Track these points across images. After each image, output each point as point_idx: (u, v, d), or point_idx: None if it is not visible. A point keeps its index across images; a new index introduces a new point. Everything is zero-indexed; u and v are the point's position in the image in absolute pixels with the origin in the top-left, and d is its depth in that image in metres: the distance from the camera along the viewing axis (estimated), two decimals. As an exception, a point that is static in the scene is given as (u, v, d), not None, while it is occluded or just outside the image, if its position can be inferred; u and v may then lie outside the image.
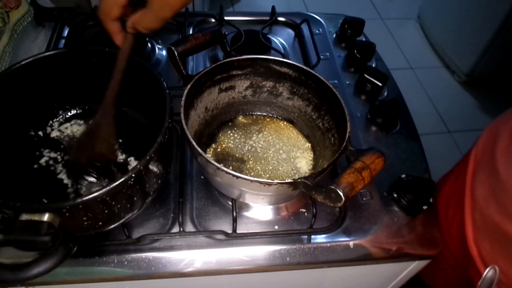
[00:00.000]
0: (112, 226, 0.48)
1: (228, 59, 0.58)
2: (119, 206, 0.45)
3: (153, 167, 0.47)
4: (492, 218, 0.56)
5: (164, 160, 0.51)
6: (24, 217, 0.39)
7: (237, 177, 0.45)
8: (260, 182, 0.45)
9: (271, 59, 0.59)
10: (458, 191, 0.66)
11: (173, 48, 0.54)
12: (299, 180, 0.45)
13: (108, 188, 0.41)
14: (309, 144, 0.64)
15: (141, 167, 0.43)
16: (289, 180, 0.45)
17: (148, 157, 0.44)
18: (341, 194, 0.41)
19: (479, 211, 0.60)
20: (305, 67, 0.58)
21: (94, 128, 0.53)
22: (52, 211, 0.40)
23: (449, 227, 0.69)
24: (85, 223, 0.44)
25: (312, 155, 0.62)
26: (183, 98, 0.52)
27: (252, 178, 0.45)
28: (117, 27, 0.49)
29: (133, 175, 0.42)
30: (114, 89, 0.51)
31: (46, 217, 0.39)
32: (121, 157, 0.58)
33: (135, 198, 0.47)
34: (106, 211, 0.44)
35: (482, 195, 0.59)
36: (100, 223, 0.46)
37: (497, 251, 0.56)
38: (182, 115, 0.50)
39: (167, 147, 0.52)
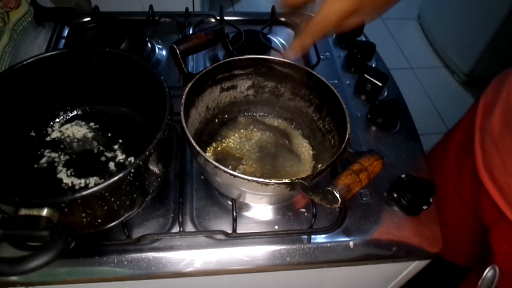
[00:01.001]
0: (112, 224, 0.48)
1: (230, 59, 0.58)
2: (118, 202, 0.45)
3: (153, 164, 0.47)
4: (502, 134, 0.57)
5: (164, 158, 0.51)
6: (23, 212, 0.39)
7: (235, 176, 0.45)
8: (258, 182, 0.45)
9: (273, 59, 0.59)
10: (469, 133, 0.68)
11: (175, 46, 0.54)
12: (296, 180, 0.45)
13: (107, 183, 0.41)
14: (310, 146, 0.64)
15: (141, 163, 0.43)
16: (286, 181, 0.45)
17: (147, 153, 0.44)
18: (338, 195, 0.41)
19: (489, 137, 0.60)
20: (307, 68, 0.58)
21: None
22: (50, 206, 0.40)
23: (461, 170, 0.71)
24: (84, 220, 0.44)
25: (312, 157, 0.62)
26: (183, 96, 0.52)
27: (249, 178, 0.45)
28: None
29: (132, 170, 0.42)
30: None
31: (44, 212, 0.39)
32: (120, 157, 0.58)
33: (135, 195, 0.47)
34: (105, 208, 0.44)
35: (495, 124, 0.60)
36: (100, 220, 0.46)
37: (509, 164, 0.56)
38: (182, 112, 0.50)
39: (167, 144, 0.52)
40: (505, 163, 0.57)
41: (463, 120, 0.76)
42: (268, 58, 0.59)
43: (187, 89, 0.53)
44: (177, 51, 0.54)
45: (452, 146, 0.76)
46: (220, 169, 0.45)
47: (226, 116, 0.66)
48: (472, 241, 0.76)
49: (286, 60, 0.59)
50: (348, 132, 0.51)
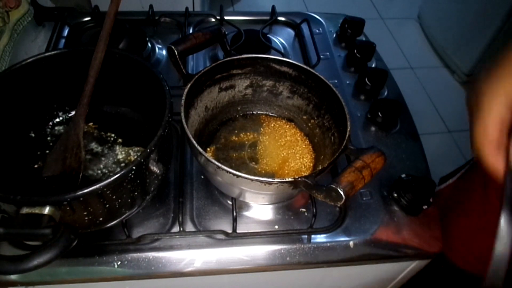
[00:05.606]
0: (113, 222, 0.48)
1: (228, 58, 0.58)
2: (119, 201, 0.45)
3: (154, 161, 0.47)
4: None
5: (164, 157, 0.51)
6: (25, 210, 0.39)
7: (238, 176, 0.45)
8: (261, 181, 0.45)
9: (271, 58, 0.59)
10: None
11: (173, 47, 0.54)
12: (299, 179, 0.45)
13: (108, 180, 0.41)
14: (309, 143, 0.64)
15: (142, 160, 0.43)
16: (290, 179, 0.45)
17: (148, 150, 0.44)
18: (342, 193, 0.41)
19: None
20: (304, 66, 0.58)
21: (64, 140, 0.53)
22: (52, 204, 0.40)
23: None
24: (86, 218, 0.44)
25: (312, 154, 0.62)
26: (183, 97, 0.52)
27: (252, 177, 0.45)
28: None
29: (134, 167, 0.43)
30: (85, 106, 0.54)
31: (46, 210, 0.39)
32: (120, 156, 0.58)
33: (136, 194, 0.47)
34: (106, 206, 0.44)
35: None
36: (101, 219, 0.46)
37: None
38: (182, 114, 0.50)
39: (167, 143, 0.52)
40: None
41: None
42: (266, 57, 0.59)
43: (186, 89, 0.53)
44: (175, 52, 0.54)
45: None
46: (223, 169, 0.45)
47: (225, 116, 0.66)
48: None
49: (283, 59, 0.59)
50: (348, 129, 0.51)
